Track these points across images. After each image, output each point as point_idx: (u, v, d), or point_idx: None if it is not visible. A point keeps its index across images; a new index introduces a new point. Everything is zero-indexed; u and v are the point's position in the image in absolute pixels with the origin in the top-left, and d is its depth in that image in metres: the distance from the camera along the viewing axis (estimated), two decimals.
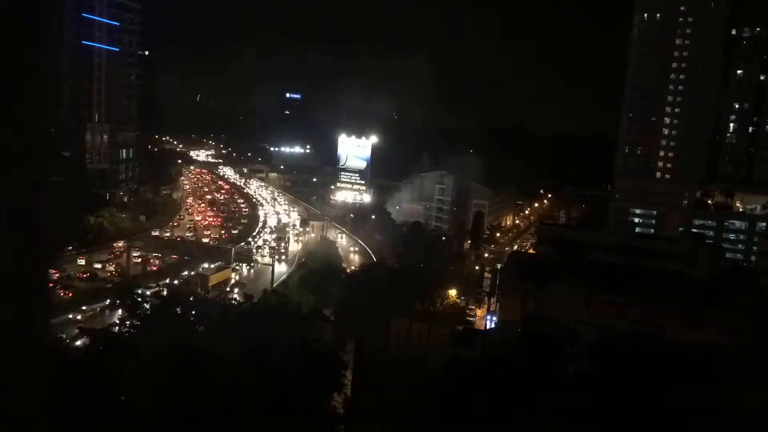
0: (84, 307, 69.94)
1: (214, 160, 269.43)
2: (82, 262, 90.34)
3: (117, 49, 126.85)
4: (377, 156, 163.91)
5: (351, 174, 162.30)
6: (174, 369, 30.57)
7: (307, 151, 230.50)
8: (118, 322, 52.82)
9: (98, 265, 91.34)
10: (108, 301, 70.26)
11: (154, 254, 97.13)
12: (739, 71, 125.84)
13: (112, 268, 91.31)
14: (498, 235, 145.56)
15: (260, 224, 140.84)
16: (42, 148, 6.51)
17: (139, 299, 48.02)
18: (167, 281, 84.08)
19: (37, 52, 6.19)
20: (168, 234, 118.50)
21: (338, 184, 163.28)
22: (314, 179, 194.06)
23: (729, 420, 32.52)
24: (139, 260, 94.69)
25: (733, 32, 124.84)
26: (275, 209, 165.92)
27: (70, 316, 66.41)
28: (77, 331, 55.10)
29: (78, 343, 48.70)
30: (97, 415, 26.58)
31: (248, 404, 33.32)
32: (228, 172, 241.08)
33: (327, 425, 39.63)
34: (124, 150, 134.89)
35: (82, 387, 27.11)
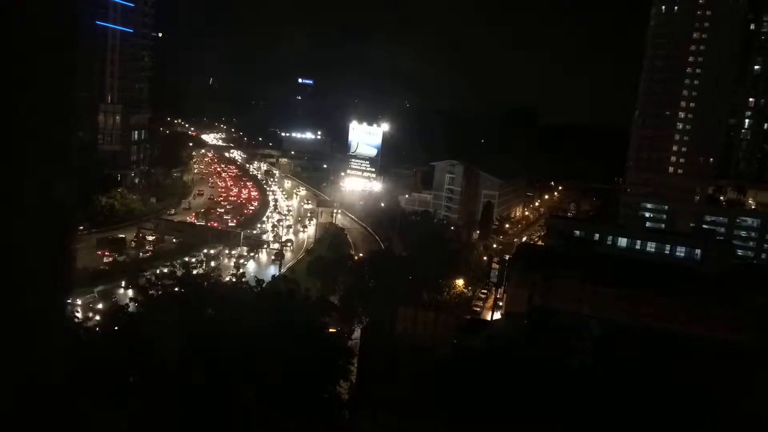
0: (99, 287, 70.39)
1: (225, 144, 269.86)
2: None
3: (131, 31, 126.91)
4: (388, 144, 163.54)
5: (361, 161, 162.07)
6: (181, 350, 30.84)
7: (318, 137, 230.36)
8: (128, 302, 53.11)
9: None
10: (121, 281, 71.02)
11: (165, 236, 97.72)
12: (756, 66, 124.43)
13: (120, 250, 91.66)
14: (507, 226, 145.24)
15: (270, 209, 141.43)
16: (66, 130, 6.55)
17: (147, 281, 48.41)
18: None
19: (63, 30, 6.19)
20: (178, 216, 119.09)
21: (348, 171, 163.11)
22: (324, 165, 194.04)
23: (736, 418, 32.48)
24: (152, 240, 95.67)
25: (752, 27, 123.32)
26: (284, 194, 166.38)
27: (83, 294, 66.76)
28: (84, 313, 55.59)
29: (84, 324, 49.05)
30: (104, 394, 26.88)
31: (253, 388, 33.60)
32: (239, 156, 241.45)
33: (331, 411, 39.91)
34: (136, 132, 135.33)
35: (90, 366, 27.38)
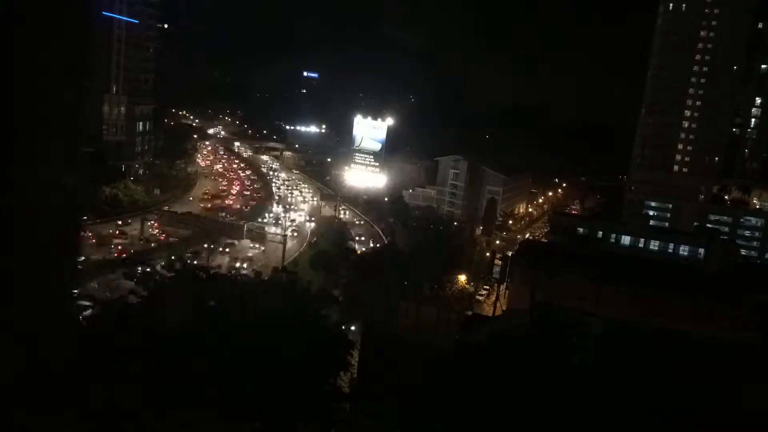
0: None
1: (229, 136, 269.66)
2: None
3: (136, 21, 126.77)
4: (392, 138, 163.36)
5: (365, 155, 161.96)
6: (180, 342, 30.85)
7: (323, 130, 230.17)
8: (128, 294, 52.99)
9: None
10: (120, 272, 70.86)
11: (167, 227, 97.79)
12: (762, 65, 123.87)
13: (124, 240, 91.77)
14: (510, 222, 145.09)
15: (273, 202, 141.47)
16: (75, 120, 6.44)
17: (150, 272, 48.38)
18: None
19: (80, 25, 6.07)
20: (183, 208, 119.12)
21: (352, 165, 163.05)
22: (329, 159, 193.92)
23: (736, 418, 32.38)
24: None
25: (759, 26, 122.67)
26: (288, 188, 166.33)
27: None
28: (87, 302, 55.45)
29: (86, 313, 49.00)
30: (103, 385, 26.88)
31: (254, 379, 33.59)
32: (243, 148, 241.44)
33: (332, 403, 39.91)
34: (140, 123, 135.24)
35: (90, 357, 27.38)
